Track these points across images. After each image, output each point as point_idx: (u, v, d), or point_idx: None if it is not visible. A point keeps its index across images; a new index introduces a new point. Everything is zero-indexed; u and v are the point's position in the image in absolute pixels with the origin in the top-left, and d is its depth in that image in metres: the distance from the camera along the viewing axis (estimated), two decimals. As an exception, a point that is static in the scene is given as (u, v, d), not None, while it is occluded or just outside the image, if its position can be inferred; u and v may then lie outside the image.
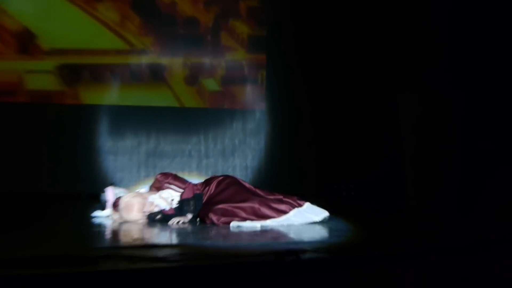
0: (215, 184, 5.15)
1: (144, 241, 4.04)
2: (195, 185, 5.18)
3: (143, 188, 5.49)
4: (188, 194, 5.05)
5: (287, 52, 8.25)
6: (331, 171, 8.20)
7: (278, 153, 8.20)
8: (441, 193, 7.00)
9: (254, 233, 4.49)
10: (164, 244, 3.91)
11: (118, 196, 5.30)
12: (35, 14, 7.55)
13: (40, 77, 7.57)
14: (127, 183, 7.56)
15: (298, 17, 8.27)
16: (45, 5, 7.59)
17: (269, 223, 4.88)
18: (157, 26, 7.93)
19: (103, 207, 5.43)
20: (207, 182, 5.23)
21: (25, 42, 7.53)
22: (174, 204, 5.06)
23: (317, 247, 3.52)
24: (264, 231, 4.58)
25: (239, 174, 7.66)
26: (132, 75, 7.84)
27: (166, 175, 5.30)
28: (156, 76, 7.90)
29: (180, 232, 4.55)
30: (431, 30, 8.15)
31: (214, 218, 4.87)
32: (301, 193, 5.57)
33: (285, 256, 3.24)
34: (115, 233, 4.60)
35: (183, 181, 5.26)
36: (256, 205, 4.92)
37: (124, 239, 4.27)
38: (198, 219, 5.07)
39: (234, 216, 4.87)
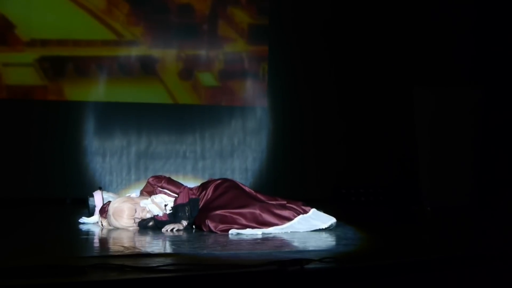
0: (212, 188, 5.19)
1: (136, 250, 4.09)
2: (191, 189, 5.23)
3: (134, 193, 5.54)
4: (183, 199, 5.10)
5: (291, 43, 8.28)
6: (339, 174, 8.24)
7: (281, 154, 8.24)
8: (459, 198, 7.05)
9: (255, 242, 4.53)
10: (157, 253, 3.95)
11: (106, 201, 5.35)
12: (13, 1, 7.58)
13: (19, 70, 7.61)
14: (116, 187, 7.61)
15: (304, 5, 8.30)
16: (25, -9, 7.63)
17: (271, 230, 4.92)
18: (148, 14, 7.97)
19: (90, 213, 5.49)
20: (203, 186, 5.27)
21: (2, 32, 7.58)
22: (168, 210, 5.10)
23: (323, 256, 3.57)
24: (265, 239, 4.63)
25: (238, 177, 7.71)
26: (121, 69, 7.88)
27: (158, 178, 5.35)
28: (147, 69, 7.94)
29: (174, 240, 4.60)
30: (450, 22, 8.19)
31: (211, 225, 4.91)
32: (306, 198, 5.62)
33: (288, 266, 3.28)
34: (104, 241, 4.65)
35: (177, 184, 5.30)
36: (257, 211, 4.96)
37: (114, 247, 4.32)
38: (194, 226, 5.12)
39: (233, 223, 4.92)
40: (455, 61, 8.15)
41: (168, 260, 3.49)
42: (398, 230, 5.52)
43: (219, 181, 5.28)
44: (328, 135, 8.30)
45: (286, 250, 4.21)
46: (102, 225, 5.16)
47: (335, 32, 8.32)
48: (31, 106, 7.60)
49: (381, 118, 8.31)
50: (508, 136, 7.36)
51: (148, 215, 5.06)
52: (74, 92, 7.72)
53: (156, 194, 5.20)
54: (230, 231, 4.87)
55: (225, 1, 8.17)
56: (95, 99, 7.75)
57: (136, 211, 5.02)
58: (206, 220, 4.92)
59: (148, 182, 5.33)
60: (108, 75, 7.80)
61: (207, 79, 8.10)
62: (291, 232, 4.94)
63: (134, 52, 7.90)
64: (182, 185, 5.30)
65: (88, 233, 4.99)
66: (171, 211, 5.09)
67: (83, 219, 5.46)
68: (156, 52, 7.96)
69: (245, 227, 4.90)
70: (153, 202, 5.11)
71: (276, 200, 5.16)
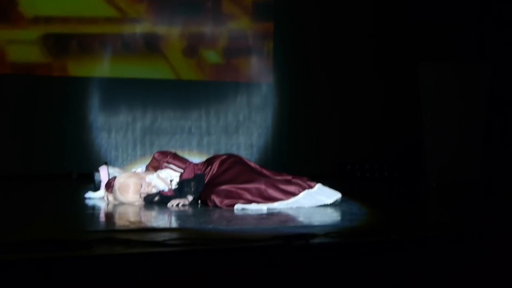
0: (217, 163, 5.20)
1: (141, 225, 4.11)
2: (196, 164, 5.23)
3: (140, 168, 5.55)
4: (189, 174, 5.10)
5: (296, 20, 8.23)
6: (345, 150, 8.23)
7: (287, 131, 8.23)
8: (465, 175, 7.04)
9: (260, 217, 4.54)
10: (163, 227, 3.97)
11: (112, 176, 5.36)
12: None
13: (23, 48, 7.59)
14: (122, 163, 7.62)
15: (309, -19, 8.25)
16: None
17: (276, 205, 4.94)
18: (152, -10, 7.93)
19: (96, 188, 5.50)
20: (209, 162, 5.28)
21: (6, 9, 7.54)
22: (174, 185, 5.11)
23: (328, 231, 3.58)
24: (271, 214, 4.64)
25: (243, 153, 7.71)
26: (125, 46, 7.85)
27: (164, 153, 5.35)
28: (151, 47, 7.90)
29: (180, 215, 4.61)
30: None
31: (216, 200, 4.92)
32: (311, 174, 5.63)
33: (293, 241, 3.29)
34: (110, 215, 4.67)
35: (183, 160, 5.31)
36: (263, 186, 4.97)
37: (120, 222, 4.34)
38: (199, 201, 5.13)
39: (239, 198, 4.93)
40: (460, 37, 8.10)
41: (173, 235, 3.50)
42: (402, 206, 5.53)
43: (224, 157, 5.28)
44: (334, 111, 8.28)
45: (291, 225, 4.22)
46: (108, 200, 5.17)
47: (340, 8, 8.27)
48: (37, 82, 7.58)
49: (386, 94, 8.28)
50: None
51: (154, 190, 5.07)
52: (78, 69, 7.70)
53: (162, 169, 5.21)
54: (235, 206, 4.88)
55: (229, -22, 8.12)
56: (99, 75, 7.73)
57: (142, 186, 5.03)
58: (212, 195, 4.93)
59: (153, 158, 5.34)
60: (112, 53, 7.77)
61: (211, 56, 8.07)
62: (296, 207, 4.95)
63: (138, 29, 7.86)
64: (188, 160, 5.31)
65: (94, 208, 5.00)
66: (177, 186, 5.10)
67: (89, 194, 5.48)
68: (160, 30, 7.92)
69: (250, 202, 4.91)
70: (158, 177, 5.12)
71: (281, 175, 5.17)
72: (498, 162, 7.27)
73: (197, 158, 5.82)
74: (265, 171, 5.21)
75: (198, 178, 5.10)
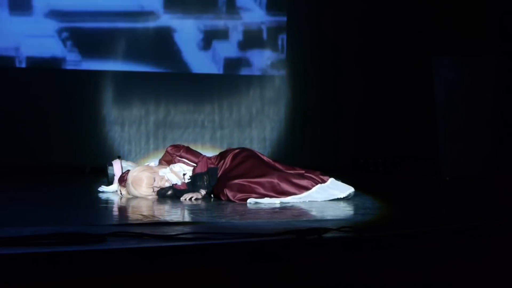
0: (230, 157, 5.20)
1: (154, 218, 4.12)
2: (209, 158, 5.24)
3: (153, 162, 5.56)
4: (202, 168, 5.11)
5: (310, 12, 8.21)
6: (358, 144, 8.21)
7: (300, 124, 8.22)
8: (479, 168, 7.01)
9: (273, 211, 4.55)
10: (176, 221, 3.97)
11: (125, 170, 5.37)
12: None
13: (38, 41, 7.60)
14: (135, 156, 7.64)
15: (322, -25, 8.22)
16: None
17: (289, 199, 4.93)
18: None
19: (109, 182, 5.51)
20: (222, 155, 5.28)
21: (21, 3, 7.54)
22: (186, 179, 5.12)
23: (341, 225, 3.57)
24: (284, 209, 4.64)
25: (256, 147, 7.70)
26: (139, 39, 7.85)
27: (177, 147, 5.35)
28: (165, 40, 7.90)
29: (193, 209, 4.62)
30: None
31: (229, 194, 4.92)
32: (324, 167, 5.61)
33: (306, 235, 3.28)
34: (123, 209, 4.68)
35: (196, 154, 5.31)
36: (276, 180, 4.97)
37: (133, 216, 4.35)
38: (212, 195, 5.13)
39: (252, 192, 4.93)
40: (474, 30, 8.05)
41: (186, 229, 3.50)
42: (416, 200, 5.51)
43: (237, 151, 5.28)
44: (347, 105, 8.26)
45: (304, 219, 4.21)
46: (121, 193, 5.19)
47: (354, 2, 8.24)
48: (51, 76, 7.60)
49: (399, 88, 8.25)
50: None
51: (167, 184, 5.08)
52: (93, 63, 7.71)
53: (175, 163, 5.21)
54: (248, 200, 4.88)
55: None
56: (113, 69, 7.74)
57: (155, 180, 5.04)
58: (225, 189, 4.93)
59: (166, 151, 5.34)
60: (126, 46, 7.78)
61: (224, 49, 8.05)
62: (309, 201, 4.94)
63: (153, 22, 7.85)
64: (201, 154, 5.31)
65: (107, 201, 5.02)
66: (190, 180, 5.10)
67: (102, 188, 5.50)
68: (174, 23, 7.91)
69: (263, 196, 4.91)
70: (171, 171, 5.13)
71: (294, 169, 5.17)
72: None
73: (210, 152, 5.82)
74: (277, 165, 5.21)
75: (211, 172, 5.11)
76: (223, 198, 4.96)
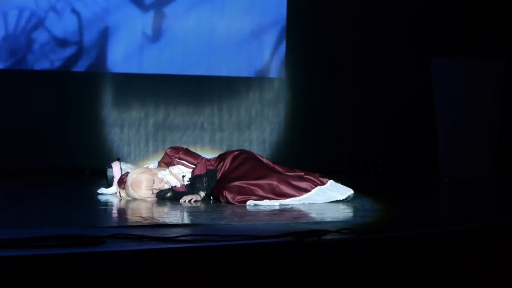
0: (230, 159, 5.20)
1: (154, 220, 4.11)
2: (208, 160, 5.24)
3: (152, 164, 5.56)
4: (201, 170, 5.11)
5: (309, 14, 8.21)
6: (357, 146, 8.22)
7: (299, 126, 8.22)
8: (478, 170, 7.01)
9: (272, 213, 4.54)
10: (175, 223, 3.97)
11: (125, 172, 5.37)
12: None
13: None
14: (135, 158, 7.64)
15: (322, -24, 8.22)
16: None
17: (288, 201, 4.93)
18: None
19: (109, 184, 5.51)
20: (221, 157, 5.28)
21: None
22: (186, 181, 5.12)
23: (341, 227, 3.57)
24: (283, 211, 4.64)
25: (256, 149, 7.70)
26: (138, 40, 7.83)
27: (176, 149, 5.35)
28: (163, 40, 7.89)
29: (192, 211, 4.61)
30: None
31: (229, 196, 4.92)
32: (323, 170, 5.62)
33: (306, 238, 3.28)
34: (122, 211, 4.68)
35: (195, 155, 5.31)
36: (275, 182, 4.97)
37: (132, 218, 4.35)
38: (211, 198, 5.13)
39: (251, 194, 4.92)
40: (474, 32, 8.06)
41: (186, 231, 3.51)
42: (415, 202, 5.51)
43: (236, 152, 5.28)
44: (346, 107, 8.26)
45: (304, 221, 4.21)
46: (120, 195, 5.19)
47: (353, 2, 8.24)
48: (49, 77, 7.59)
49: (399, 90, 8.26)
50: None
51: (166, 186, 5.08)
52: (91, 64, 7.70)
53: (174, 165, 5.21)
54: (247, 202, 4.88)
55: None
56: (112, 70, 7.74)
57: (154, 182, 5.04)
58: (224, 191, 4.93)
59: (165, 153, 5.34)
60: (125, 46, 7.77)
61: (224, 51, 8.04)
62: (308, 203, 4.94)
63: (150, 22, 7.84)
64: (200, 156, 5.31)
65: (106, 203, 5.02)
66: (189, 182, 5.11)
67: (102, 190, 5.49)
68: (173, 23, 7.90)
69: (262, 198, 4.91)
70: (171, 173, 5.13)
71: (293, 171, 5.17)
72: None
73: (209, 154, 5.82)
74: (277, 167, 5.21)
75: (210, 173, 5.11)
76: (222, 200, 4.96)
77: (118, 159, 5.66)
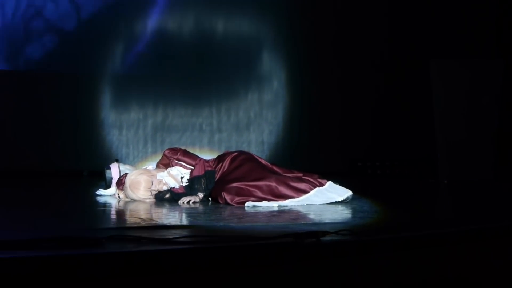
0: (228, 160, 5.20)
1: (152, 222, 4.11)
2: (207, 161, 5.24)
3: (150, 165, 5.56)
4: (199, 171, 5.11)
5: (309, 16, 8.22)
6: (356, 147, 8.23)
7: (298, 127, 8.23)
8: (477, 171, 7.02)
9: (271, 214, 4.54)
10: (174, 225, 3.97)
11: (123, 173, 5.37)
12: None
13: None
14: (133, 160, 7.64)
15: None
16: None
17: (287, 203, 4.93)
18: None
19: (107, 185, 5.51)
20: (219, 159, 5.28)
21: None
22: (184, 182, 5.12)
23: (340, 229, 3.57)
24: (282, 212, 4.64)
25: (254, 150, 7.71)
26: (136, 42, 7.85)
27: (175, 150, 5.35)
28: (162, 42, 7.90)
29: (191, 213, 4.61)
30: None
31: (227, 197, 4.92)
32: (322, 171, 5.62)
33: (304, 239, 3.28)
34: (120, 213, 4.68)
35: (193, 157, 5.31)
36: (274, 184, 4.96)
37: (131, 219, 4.35)
38: (210, 199, 5.13)
39: (250, 195, 4.92)
40: (472, 33, 8.07)
41: (184, 232, 3.50)
42: (414, 203, 5.51)
43: (235, 154, 5.28)
44: (345, 108, 8.27)
45: (302, 222, 4.21)
46: (119, 197, 5.19)
47: (352, 4, 8.25)
48: (48, 78, 7.60)
49: (398, 91, 8.26)
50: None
51: (165, 188, 5.08)
52: (90, 65, 7.71)
53: (172, 166, 5.21)
54: (246, 204, 4.88)
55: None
56: (111, 71, 7.75)
57: (152, 184, 5.05)
58: (223, 193, 4.93)
59: (164, 155, 5.34)
60: (124, 49, 7.78)
61: (223, 53, 8.06)
62: (307, 204, 4.94)
63: (149, 24, 7.85)
64: (198, 157, 5.31)
65: (105, 205, 5.02)
66: (188, 183, 5.10)
67: (100, 191, 5.50)
68: (171, 25, 7.91)
69: (261, 199, 4.91)
70: (169, 174, 5.13)
71: (292, 172, 5.17)
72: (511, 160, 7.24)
73: (208, 155, 5.82)
74: (276, 168, 5.21)
75: (208, 174, 5.11)
76: (221, 202, 4.96)
77: (117, 160, 5.66)
